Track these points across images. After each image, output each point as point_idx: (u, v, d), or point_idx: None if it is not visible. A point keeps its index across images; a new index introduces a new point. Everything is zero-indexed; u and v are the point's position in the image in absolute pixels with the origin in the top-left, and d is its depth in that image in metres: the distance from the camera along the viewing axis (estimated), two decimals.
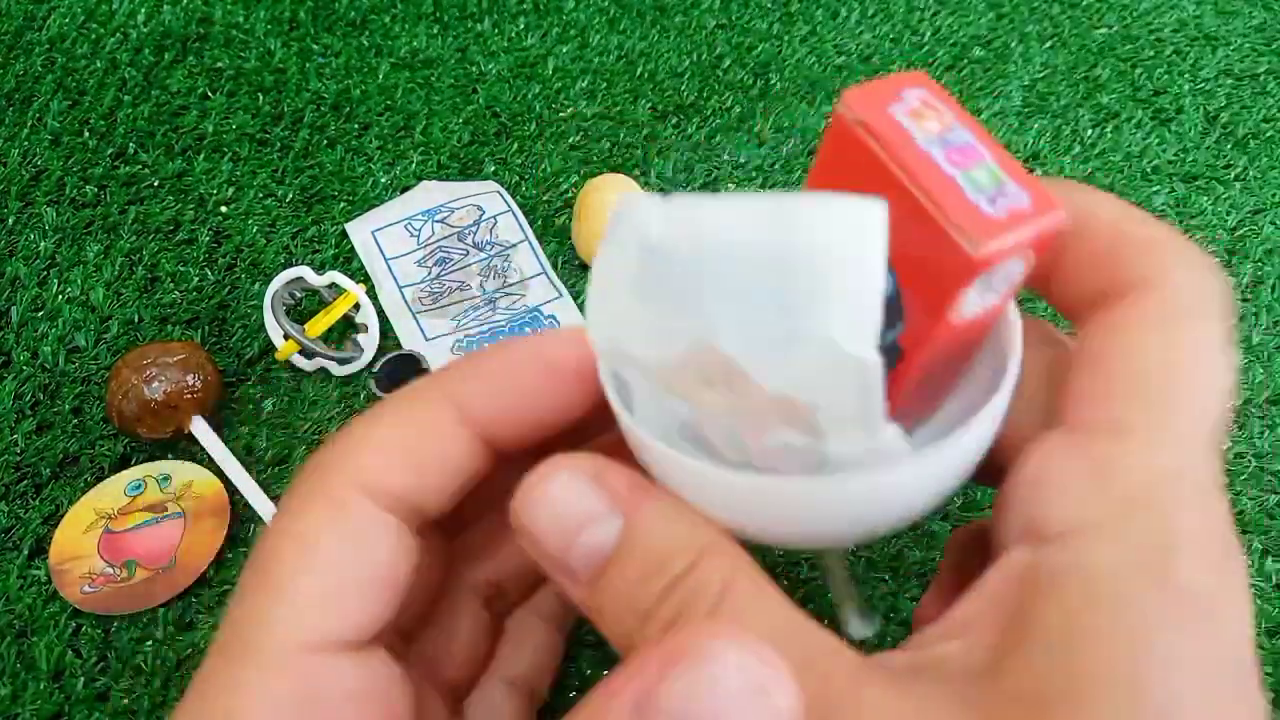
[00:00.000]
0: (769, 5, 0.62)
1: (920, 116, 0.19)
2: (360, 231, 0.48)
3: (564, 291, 0.45)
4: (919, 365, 0.20)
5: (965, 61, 0.59)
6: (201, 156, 0.51)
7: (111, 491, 0.38)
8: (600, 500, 0.19)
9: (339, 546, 0.19)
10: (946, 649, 0.18)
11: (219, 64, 0.56)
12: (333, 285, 0.43)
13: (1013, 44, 0.60)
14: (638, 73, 0.57)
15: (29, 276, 0.45)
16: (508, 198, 0.49)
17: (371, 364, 0.43)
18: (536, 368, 0.21)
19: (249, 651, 0.18)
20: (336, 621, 0.19)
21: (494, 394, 0.21)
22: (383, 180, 0.50)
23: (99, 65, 0.55)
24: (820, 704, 0.16)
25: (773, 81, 0.57)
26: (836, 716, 0.16)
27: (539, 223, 0.49)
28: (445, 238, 0.47)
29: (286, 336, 0.42)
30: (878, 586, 0.36)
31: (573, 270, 0.47)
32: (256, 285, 0.45)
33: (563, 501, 0.19)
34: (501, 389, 0.21)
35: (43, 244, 0.47)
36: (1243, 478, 0.40)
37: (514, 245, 0.47)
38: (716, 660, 0.15)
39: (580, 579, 0.19)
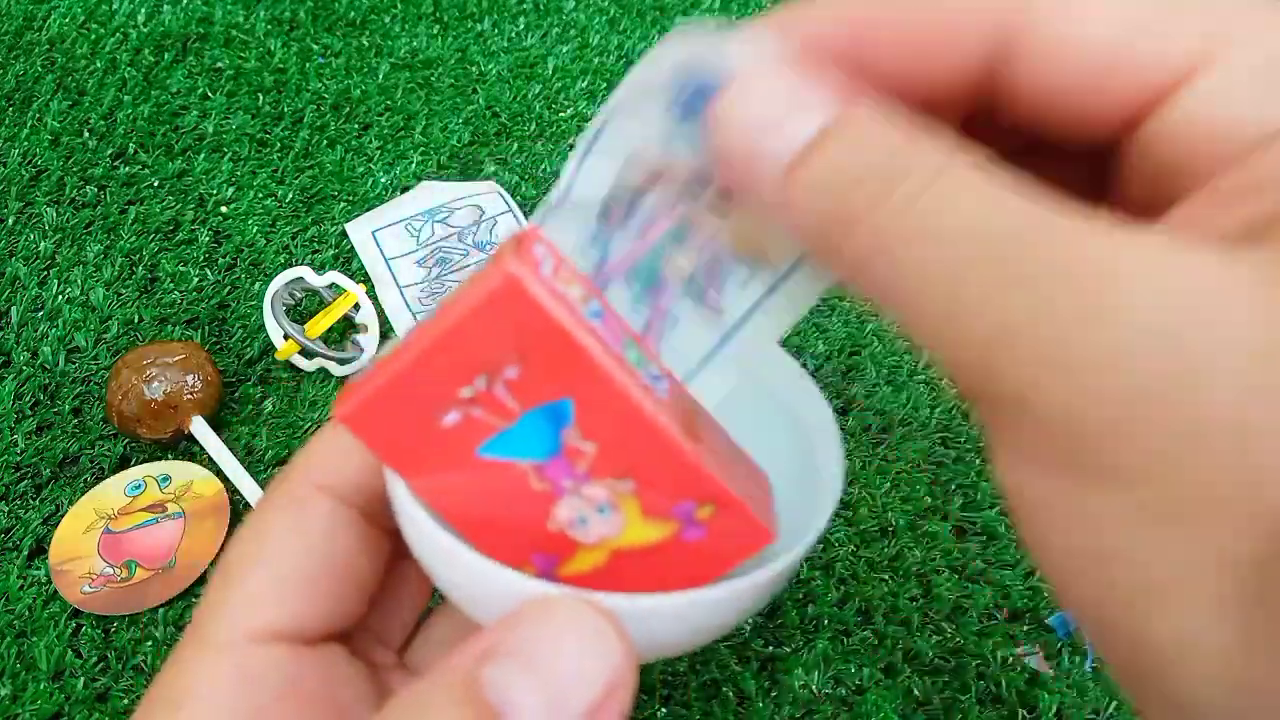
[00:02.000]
0: (769, 5, 0.62)
1: (565, 282, 0.19)
2: (360, 231, 0.48)
3: None
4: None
5: None
6: (201, 156, 0.51)
7: (111, 492, 0.38)
8: (802, 90, 0.16)
9: (292, 540, 0.20)
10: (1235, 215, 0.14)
11: (219, 64, 0.56)
12: (333, 285, 0.43)
13: None
14: None
15: (29, 276, 0.45)
16: (508, 198, 0.49)
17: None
18: None
19: (202, 639, 0.19)
20: (285, 611, 0.19)
21: None
22: (383, 180, 0.50)
23: (99, 65, 0.55)
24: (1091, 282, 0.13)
25: None
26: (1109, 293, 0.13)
27: None
28: (445, 238, 0.47)
29: (286, 336, 0.42)
30: (878, 586, 0.36)
31: None
32: (256, 285, 0.45)
33: (759, 97, 0.17)
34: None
35: (43, 244, 0.47)
36: None
37: None
38: (554, 611, 0.17)
39: (769, 176, 0.16)
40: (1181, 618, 0.14)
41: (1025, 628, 0.36)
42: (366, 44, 0.58)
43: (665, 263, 0.23)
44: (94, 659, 0.34)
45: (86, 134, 0.52)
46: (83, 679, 0.34)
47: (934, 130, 0.16)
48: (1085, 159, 0.18)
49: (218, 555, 0.36)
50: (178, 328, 0.44)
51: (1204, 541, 0.14)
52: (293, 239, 0.48)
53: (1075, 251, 0.14)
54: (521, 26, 0.59)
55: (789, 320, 0.23)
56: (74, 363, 0.43)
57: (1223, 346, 0.13)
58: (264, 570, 0.20)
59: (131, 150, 0.51)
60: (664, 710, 0.33)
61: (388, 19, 0.59)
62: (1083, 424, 0.14)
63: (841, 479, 0.21)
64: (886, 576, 0.37)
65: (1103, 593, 0.15)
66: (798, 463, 0.22)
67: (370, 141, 0.52)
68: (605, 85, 0.56)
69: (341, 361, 0.42)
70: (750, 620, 0.35)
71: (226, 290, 0.45)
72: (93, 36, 0.57)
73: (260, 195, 0.49)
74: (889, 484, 0.39)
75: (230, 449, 0.39)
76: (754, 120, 0.17)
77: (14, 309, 0.44)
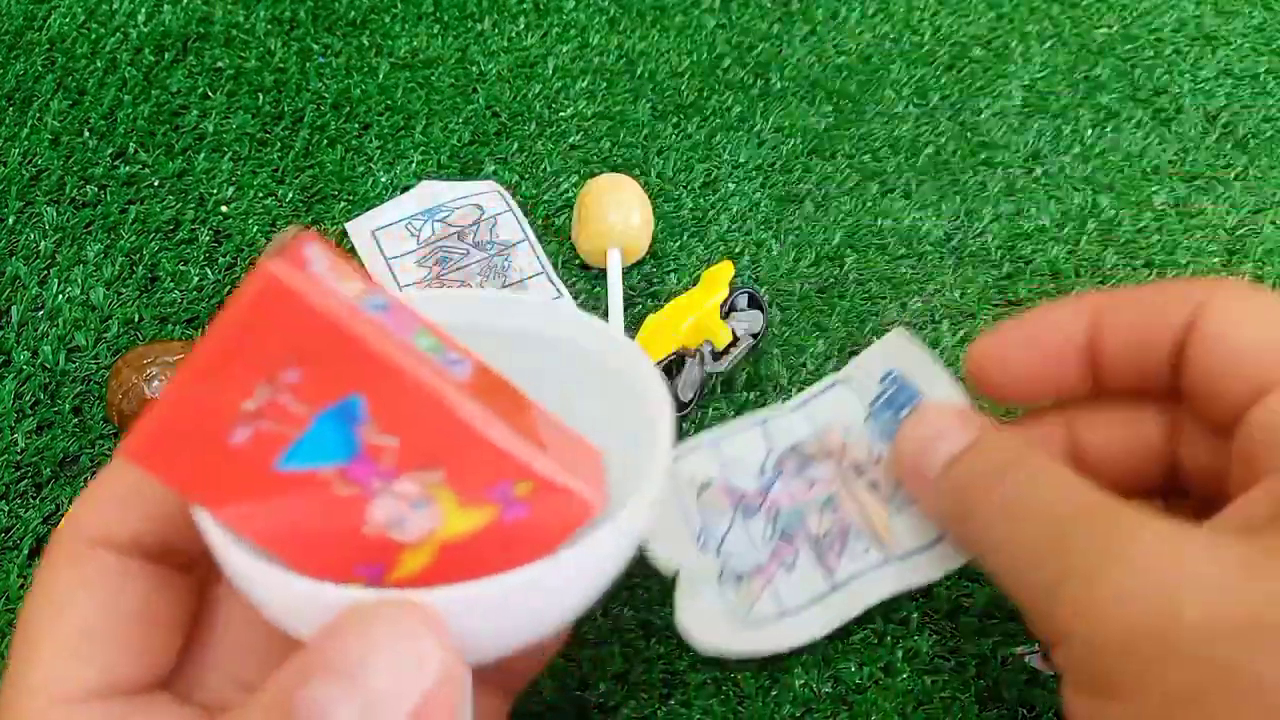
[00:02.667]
0: (769, 5, 0.62)
1: (341, 277, 0.18)
2: (360, 231, 0.48)
3: (564, 291, 0.45)
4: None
5: (965, 61, 0.59)
6: (201, 156, 0.51)
7: None
8: (960, 421, 0.27)
9: (82, 599, 0.20)
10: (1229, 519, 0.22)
11: (219, 64, 0.56)
12: None
13: (1013, 44, 0.60)
14: (638, 73, 0.57)
15: (29, 276, 0.45)
16: (508, 197, 0.49)
17: None
18: None
19: (16, 712, 0.19)
20: (93, 669, 0.19)
21: None
22: (383, 180, 0.50)
23: (99, 65, 0.55)
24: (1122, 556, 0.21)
25: (773, 81, 0.57)
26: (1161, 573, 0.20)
27: (539, 223, 0.49)
28: (445, 238, 0.47)
29: None
30: None
31: (573, 270, 0.47)
32: None
33: (930, 422, 0.27)
34: None
35: (43, 243, 0.47)
36: None
37: (514, 245, 0.47)
38: (368, 620, 0.17)
39: (929, 474, 0.26)
40: None
41: (1025, 627, 0.36)
42: (366, 44, 0.58)
43: (807, 519, 0.31)
44: None
45: (86, 133, 0.52)
46: None
47: (1040, 444, 0.26)
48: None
49: None
50: (178, 327, 0.44)
51: None
52: None
53: (1104, 529, 0.22)
54: (521, 26, 0.59)
55: (887, 590, 0.31)
56: (74, 362, 0.43)
57: (1189, 611, 0.19)
58: (62, 632, 0.19)
59: (131, 150, 0.51)
60: (663, 709, 0.33)
61: (388, 19, 0.59)
62: (1100, 653, 0.21)
63: (668, 450, 0.21)
64: None
65: None
66: (639, 440, 0.22)
67: (370, 141, 0.52)
68: (605, 85, 0.56)
69: None
70: None
71: (227, 290, 0.45)
72: (93, 36, 0.57)
73: (260, 195, 0.49)
74: None
75: None
76: (927, 436, 0.27)
77: (14, 308, 0.44)
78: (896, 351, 0.32)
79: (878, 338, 0.44)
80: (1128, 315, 0.25)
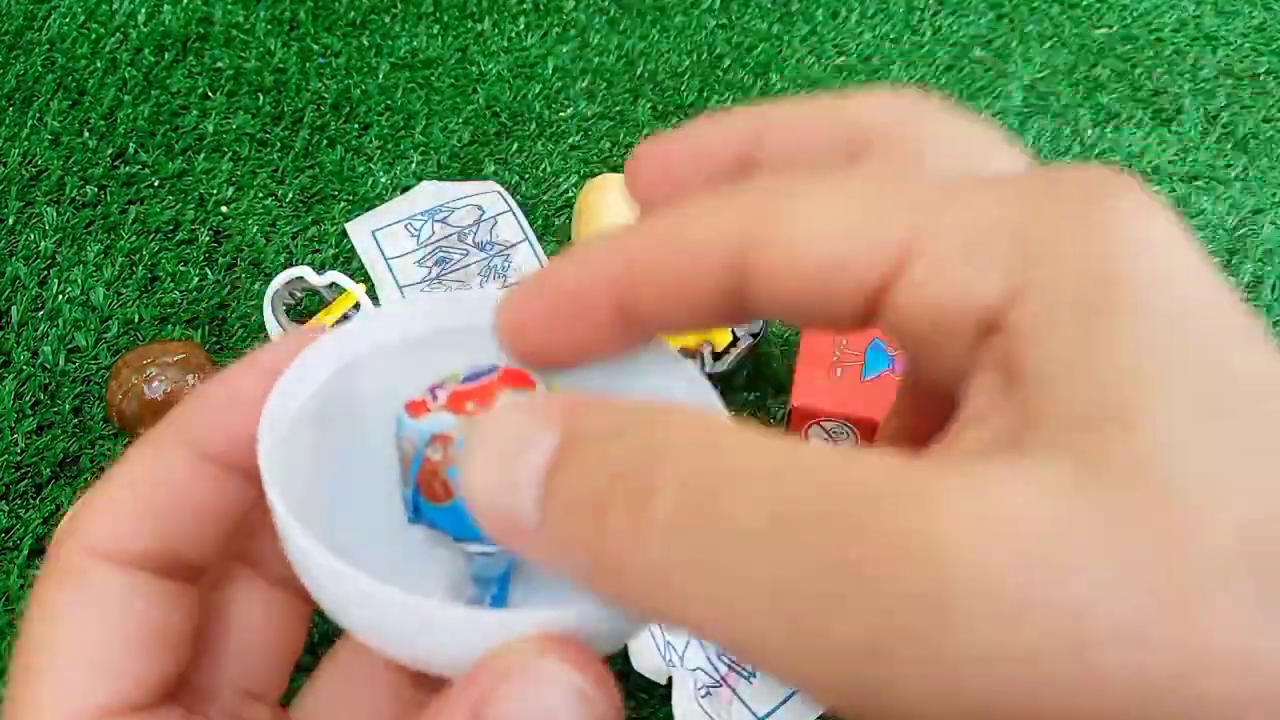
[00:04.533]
0: (769, 5, 0.62)
1: None
2: (360, 231, 0.48)
3: None
4: None
5: (965, 61, 0.59)
6: (201, 156, 0.51)
7: None
8: (533, 419, 0.15)
9: (85, 617, 0.19)
10: (971, 435, 0.14)
11: (219, 64, 0.56)
12: (333, 285, 0.43)
13: (1013, 44, 0.60)
14: (638, 73, 0.57)
15: (29, 276, 0.45)
16: (508, 198, 0.49)
17: None
18: (260, 381, 0.20)
19: None
20: (100, 689, 0.19)
21: (222, 418, 0.20)
22: (383, 180, 0.50)
23: (99, 65, 0.55)
24: (877, 517, 0.12)
25: (773, 81, 0.57)
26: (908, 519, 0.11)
27: (539, 223, 0.49)
28: (445, 238, 0.47)
29: None
30: None
31: None
32: (257, 285, 0.45)
33: (500, 434, 0.15)
34: (228, 409, 0.20)
35: (43, 244, 0.47)
36: None
37: (514, 245, 0.47)
38: (541, 672, 0.16)
39: (531, 513, 0.15)
40: None
41: None
42: (366, 44, 0.58)
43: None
44: None
45: (86, 134, 0.52)
46: None
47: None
48: None
49: None
50: (178, 327, 0.44)
51: None
52: (293, 239, 0.48)
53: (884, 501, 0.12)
54: (521, 26, 0.59)
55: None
56: (74, 362, 0.43)
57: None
58: (66, 653, 0.19)
59: (131, 150, 0.51)
60: (663, 709, 0.33)
61: (388, 19, 0.59)
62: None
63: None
64: None
65: None
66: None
67: (370, 141, 0.52)
68: (605, 85, 0.56)
69: None
70: None
71: (226, 290, 0.45)
72: (93, 36, 0.57)
73: (260, 195, 0.49)
74: None
75: None
76: (501, 453, 0.15)
77: (14, 309, 0.44)
78: None
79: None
80: (660, 270, 0.16)
